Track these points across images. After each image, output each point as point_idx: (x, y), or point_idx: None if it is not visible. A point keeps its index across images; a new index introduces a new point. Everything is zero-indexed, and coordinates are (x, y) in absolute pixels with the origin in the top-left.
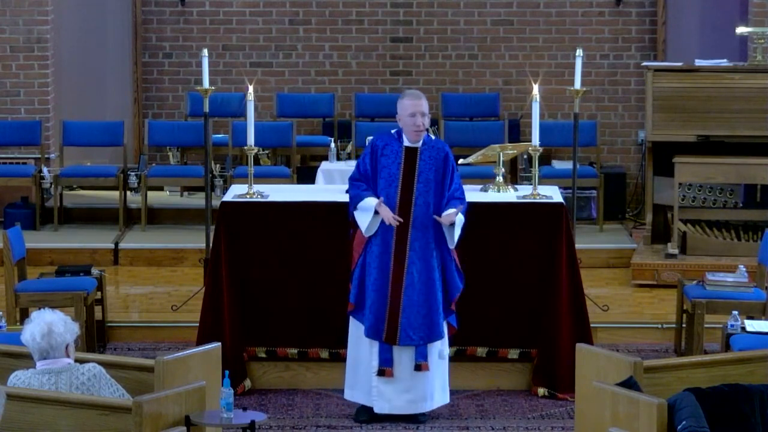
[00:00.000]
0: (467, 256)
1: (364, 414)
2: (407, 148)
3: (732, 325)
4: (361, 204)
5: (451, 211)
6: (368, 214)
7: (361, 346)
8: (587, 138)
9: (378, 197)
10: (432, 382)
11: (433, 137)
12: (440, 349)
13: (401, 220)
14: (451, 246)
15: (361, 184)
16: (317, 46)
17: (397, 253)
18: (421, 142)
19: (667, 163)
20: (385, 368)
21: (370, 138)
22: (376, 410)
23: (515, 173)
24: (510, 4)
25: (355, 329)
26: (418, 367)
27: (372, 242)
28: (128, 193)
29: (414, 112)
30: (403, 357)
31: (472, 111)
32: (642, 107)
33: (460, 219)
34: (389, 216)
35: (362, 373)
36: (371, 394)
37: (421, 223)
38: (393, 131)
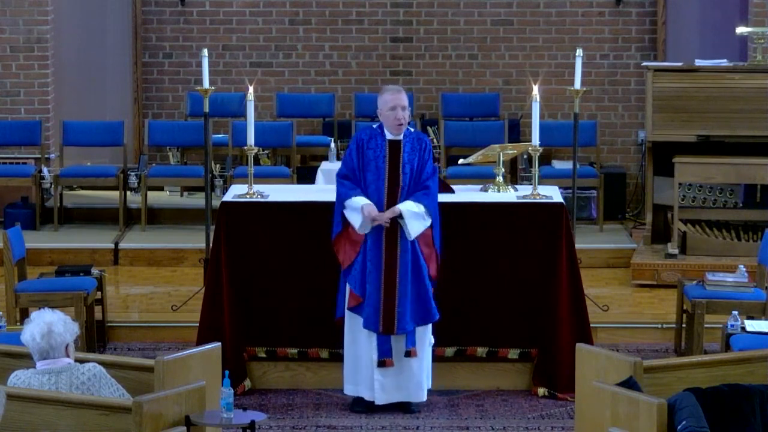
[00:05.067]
0: (467, 256)
1: (360, 404)
2: (390, 141)
3: (732, 325)
4: (349, 202)
5: (391, 211)
6: (358, 213)
7: (360, 341)
8: (587, 138)
9: (364, 196)
10: (421, 370)
11: (412, 130)
12: (429, 337)
13: (388, 223)
14: (409, 238)
15: (347, 182)
16: (317, 46)
17: (388, 245)
18: (402, 134)
19: (667, 163)
20: (385, 359)
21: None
22: (378, 402)
23: (515, 173)
24: (510, 4)
25: (352, 324)
26: (408, 353)
27: (366, 236)
28: (128, 193)
29: (395, 105)
30: (400, 346)
31: (472, 111)
32: (642, 107)
33: (410, 212)
34: (379, 216)
35: (363, 368)
36: (373, 387)
37: None
38: (375, 126)
